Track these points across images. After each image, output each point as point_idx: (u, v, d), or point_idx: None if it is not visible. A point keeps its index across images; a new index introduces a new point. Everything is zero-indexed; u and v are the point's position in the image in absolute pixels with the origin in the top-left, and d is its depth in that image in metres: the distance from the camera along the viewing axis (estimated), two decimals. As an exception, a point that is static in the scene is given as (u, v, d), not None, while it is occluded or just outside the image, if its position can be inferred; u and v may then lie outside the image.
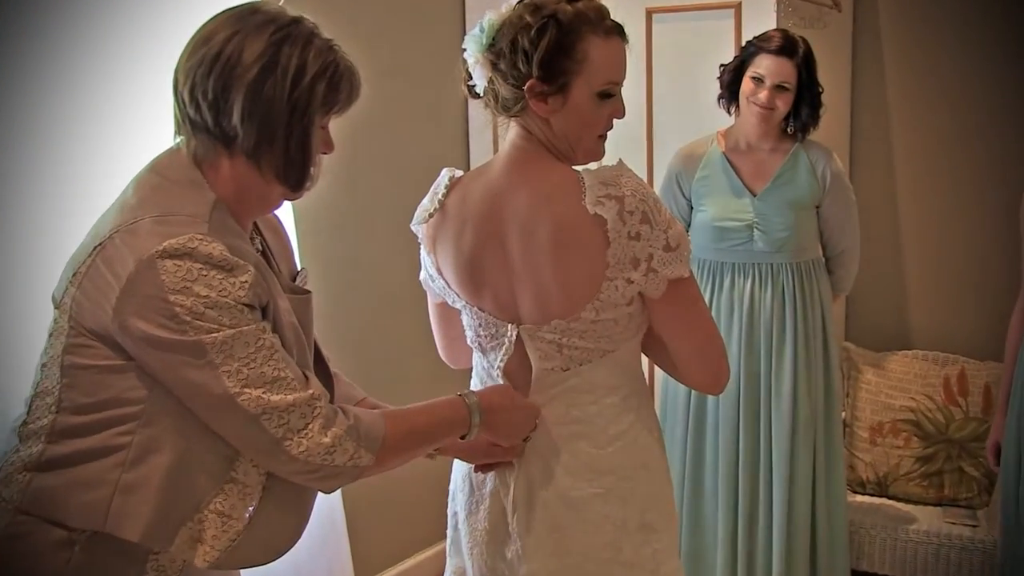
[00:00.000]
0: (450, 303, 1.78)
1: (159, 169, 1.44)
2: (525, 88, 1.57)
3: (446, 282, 1.73)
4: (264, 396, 1.34)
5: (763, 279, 2.87)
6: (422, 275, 1.82)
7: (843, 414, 3.42)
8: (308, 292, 1.57)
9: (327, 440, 1.38)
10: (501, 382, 1.70)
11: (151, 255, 1.30)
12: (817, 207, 2.89)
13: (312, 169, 1.45)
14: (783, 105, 2.77)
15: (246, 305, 1.35)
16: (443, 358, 1.93)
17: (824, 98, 2.83)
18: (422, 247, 1.78)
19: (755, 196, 2.86)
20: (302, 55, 1.39)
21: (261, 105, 1.37)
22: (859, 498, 3.46)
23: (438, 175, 1.76)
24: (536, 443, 1.68)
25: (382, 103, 3.07)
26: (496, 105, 1.64)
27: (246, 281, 1.34)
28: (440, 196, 1.72)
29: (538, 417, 1.66)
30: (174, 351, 1.31)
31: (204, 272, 1.31)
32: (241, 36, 1.38)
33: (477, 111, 3.02)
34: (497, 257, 1.64)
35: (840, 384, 3.21)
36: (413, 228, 1.78)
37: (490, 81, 1.62)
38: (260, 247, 1.55)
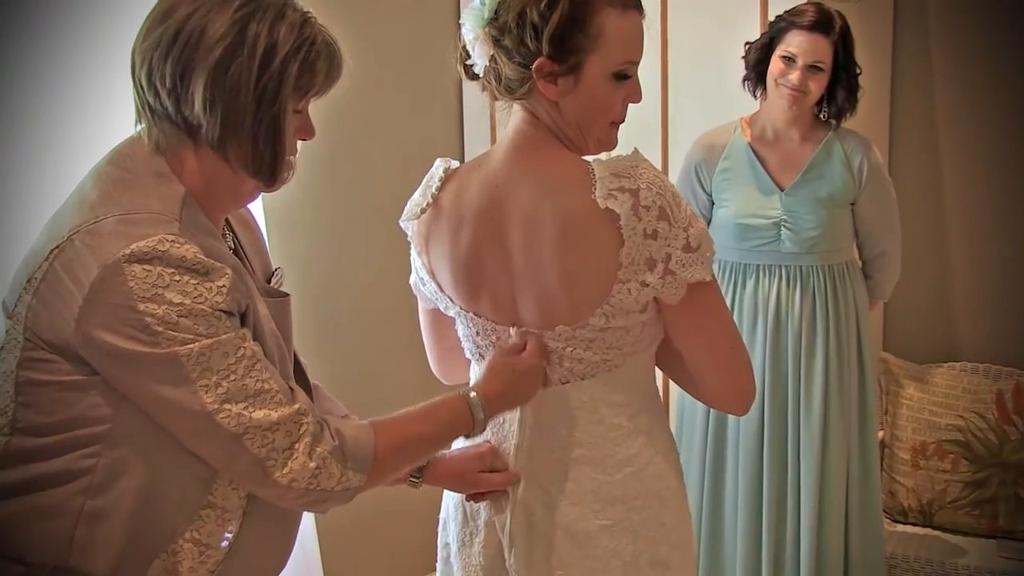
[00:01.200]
0: (442, 309, 1.78)
1: (120, 161, 1.44)
2: (533, 67, 1.57)
3: (439, 285, 1.74)
4: (246, 412, 1.35)
5: (791, 283, 2.88)
6: (412, 278, 1.82)
7: (881, 434, 3.43)
8: (286, 295, 1.58)
9: (312, 464, 1.39)
10: None
11: (117, 259, 1.30)
12: (852, 204, 2.90)
13: (288, 158, 1.45)
14: (816, 88, 2.78)
15: (224, 311, 1.35)
16: (435, 372, 1.94)
17: (862, 80, 2.83)
18: (413, 247, 1.78)
19: (783, 191, 2.87)
20: (272, 32, 1.38)
21: (225, 91, 1.37)
22: (899, 528, 3.46)
23: (429, 165, 1.76)
24: (534, 470, 1.69)
25: (367, 84, 3.08)
26: (498, 87, 1.63)
27: (223, 285, 1.35)
28: (434, 190, 1.71)
29: (545, 359, 1.65)
30: (145, 366, 1.32)
31: (176, 277, 1.32)
32: (203, 12, 1.37)
33: (473, 94, 3.02)
34: (497, 257, 1.64)
35: (877, 400, 3.22)
36: (403, 225, 1.78)
37: (492, 60, 1.61)
38: (232, 244, 1.56)
